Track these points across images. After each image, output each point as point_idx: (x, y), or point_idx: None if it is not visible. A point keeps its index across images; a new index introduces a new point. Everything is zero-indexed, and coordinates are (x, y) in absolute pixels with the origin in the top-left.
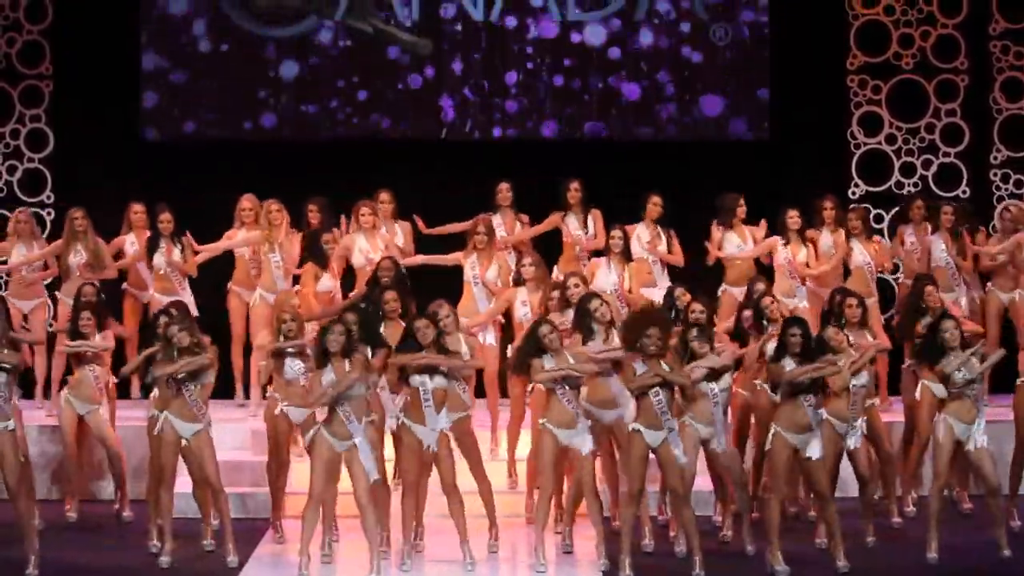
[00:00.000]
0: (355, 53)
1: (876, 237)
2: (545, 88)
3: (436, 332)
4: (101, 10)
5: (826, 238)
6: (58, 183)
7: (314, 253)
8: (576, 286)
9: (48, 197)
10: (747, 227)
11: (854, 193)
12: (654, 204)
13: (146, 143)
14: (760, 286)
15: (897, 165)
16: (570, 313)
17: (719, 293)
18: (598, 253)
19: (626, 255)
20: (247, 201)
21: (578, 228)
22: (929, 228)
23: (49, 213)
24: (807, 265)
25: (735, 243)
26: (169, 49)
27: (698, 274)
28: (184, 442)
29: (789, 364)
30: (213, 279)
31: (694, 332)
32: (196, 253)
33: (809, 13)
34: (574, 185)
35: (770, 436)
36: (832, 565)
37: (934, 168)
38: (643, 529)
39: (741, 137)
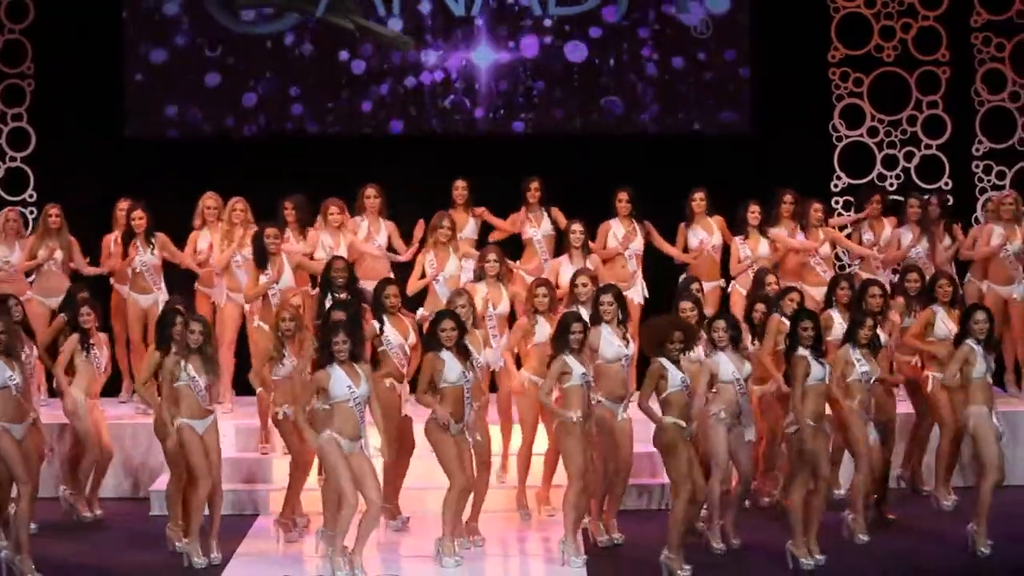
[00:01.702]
0: (335, 50)
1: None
2: (526, 83)
3: (459, 332)
4: (83, 9)
5: (780, 232)
6: (40, 182)
7: (256, 251)
8: (584, 285)
9: (30, 196)
10: (712, 219)
11: (836, 185)
12: (621, 200)
13: (128, 141)
14: (771, 278)
15: (879, 157)
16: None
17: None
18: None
19: (586, 249)
20: (211, 199)
21: (533, 226)
22: (885, 222)
23: (31, 212)
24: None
25: (699, 236)
26: (151, 48)
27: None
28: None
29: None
30: (180, 279)
31: (719, 324)
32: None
33: (790, 6)
34: (534, 184)
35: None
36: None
37: (916, 160)
38: (610, 522)
39: (723, 130)
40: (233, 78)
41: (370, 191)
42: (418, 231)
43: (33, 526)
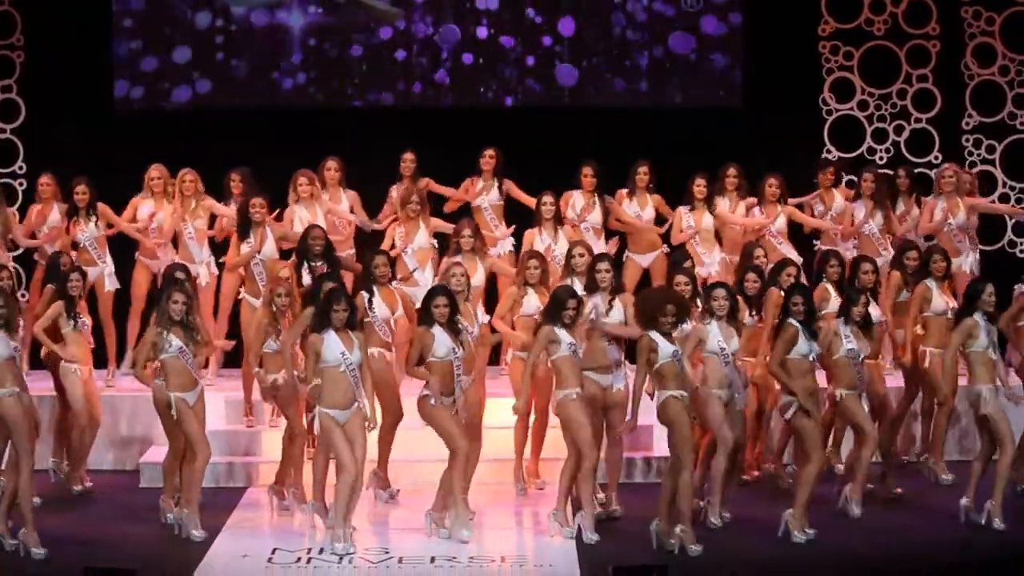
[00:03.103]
0: (325, 21)
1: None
2: (511, 54)
3: (452, 309)
4: None
5: (723, 204)
6: (30, 153)
7: (240, 221)
8: (581, 255)
9: (20, 167)
10: (651, 195)
11: (826, 159)
12: (586, 175)
13: (117, 112)
14: (759, 251)
15: (869, 131)
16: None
17: (623, 260)
18: (527, 222)
19: (557, 220)
20: (155, 170)
21: (483, 194)
22: (836, 193)
23: (21, 184)
24: (717, 232)
25: (635, 210)
26: (141, 19)
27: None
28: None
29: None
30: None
31: (718, 293)
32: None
33: None
34: (488, 152)
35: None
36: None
37: (906, 134)
38: (611, 494)
39: (713, 103)
40: (223, 51)
41: (331, 163)
42: (388, 207)
43: (36, 500)
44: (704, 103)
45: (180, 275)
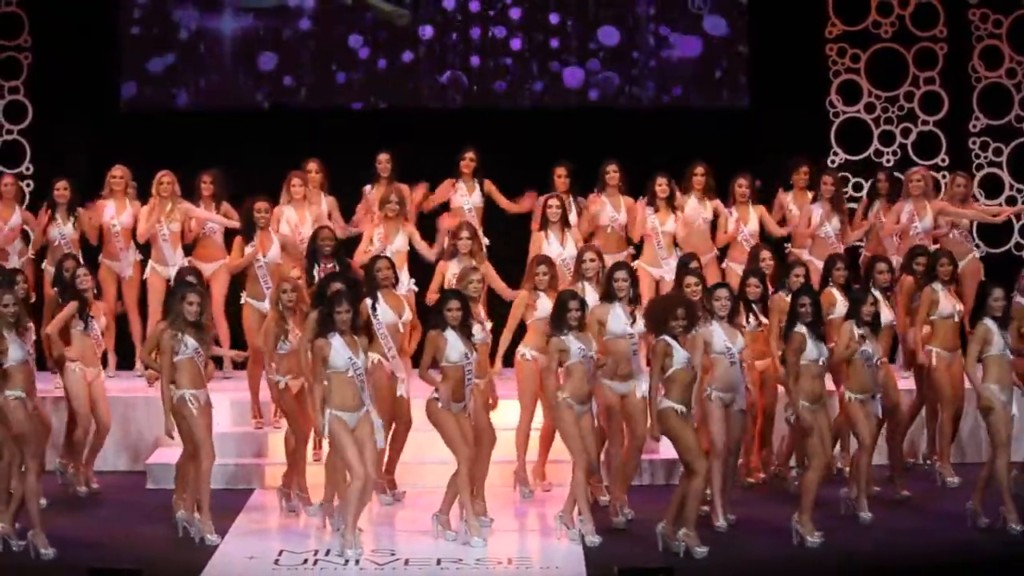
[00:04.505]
0: (332, 22)
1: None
2: (515, 50)
3: (463, 311)
4: None
5: (692, 204)
6: (37, 154)
7: (244, 224)
8: (592, 260)
9: (27, 168)
10: (623, 197)
11: (833, 161)
12: (559, 175)
13: (124, 113)
14: (765, 254)
15: (876, 133)
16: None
17: None
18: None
19: (565, 223)
20: (118, 170)
21: (464, 195)
22: (810, 195)
23: (28, 184)
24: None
25: (610, 213)
26: (148, 21)
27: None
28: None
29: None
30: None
31: (721, 293)
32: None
33: None
34: (469, 155)
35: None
36: (802, 540)
37: (913, 136)
38: (623, 497)
39: (720, 105)
40: (229, 52)
41: (311, 165)
42: (362, 208)
43: (43, 501)
44: (710, 105)
45: (191, 278)
